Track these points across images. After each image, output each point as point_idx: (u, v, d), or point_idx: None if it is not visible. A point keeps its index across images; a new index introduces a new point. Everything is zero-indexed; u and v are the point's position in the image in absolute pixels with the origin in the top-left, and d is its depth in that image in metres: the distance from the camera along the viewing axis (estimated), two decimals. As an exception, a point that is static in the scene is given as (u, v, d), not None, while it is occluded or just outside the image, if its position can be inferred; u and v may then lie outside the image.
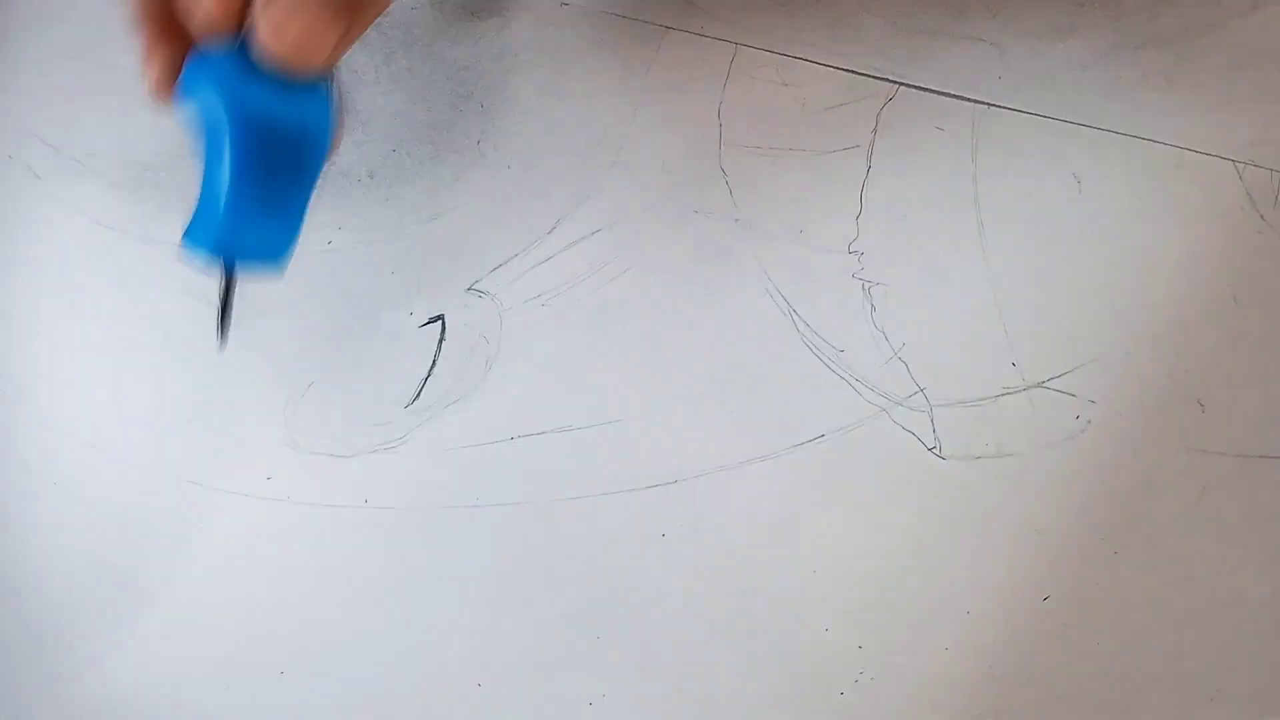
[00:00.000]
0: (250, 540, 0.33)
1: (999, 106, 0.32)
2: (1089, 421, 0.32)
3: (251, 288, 0.33)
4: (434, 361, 0.33)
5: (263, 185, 0.26)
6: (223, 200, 0.26)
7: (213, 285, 0.28)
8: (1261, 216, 0.32)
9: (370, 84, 0.33)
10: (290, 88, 0.26)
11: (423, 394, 0.32)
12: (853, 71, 0.33)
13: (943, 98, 0.32)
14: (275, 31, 0.24)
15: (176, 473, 0.33)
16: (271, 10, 0.24)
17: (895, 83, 0.33)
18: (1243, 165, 0.32)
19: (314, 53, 0.25)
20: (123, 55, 0.33)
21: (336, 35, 0.25)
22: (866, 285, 0.32)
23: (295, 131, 0.26)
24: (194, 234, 0.27)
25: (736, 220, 0.32)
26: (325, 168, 0.28)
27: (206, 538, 0.33)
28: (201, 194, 0.26)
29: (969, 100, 0.32)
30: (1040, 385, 0.32)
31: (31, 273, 0.34)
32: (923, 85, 0.33)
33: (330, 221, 0.33)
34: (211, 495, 0.33)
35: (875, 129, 0.32)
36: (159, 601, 0.33)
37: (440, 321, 0.33)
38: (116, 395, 0.33)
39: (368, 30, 0.33)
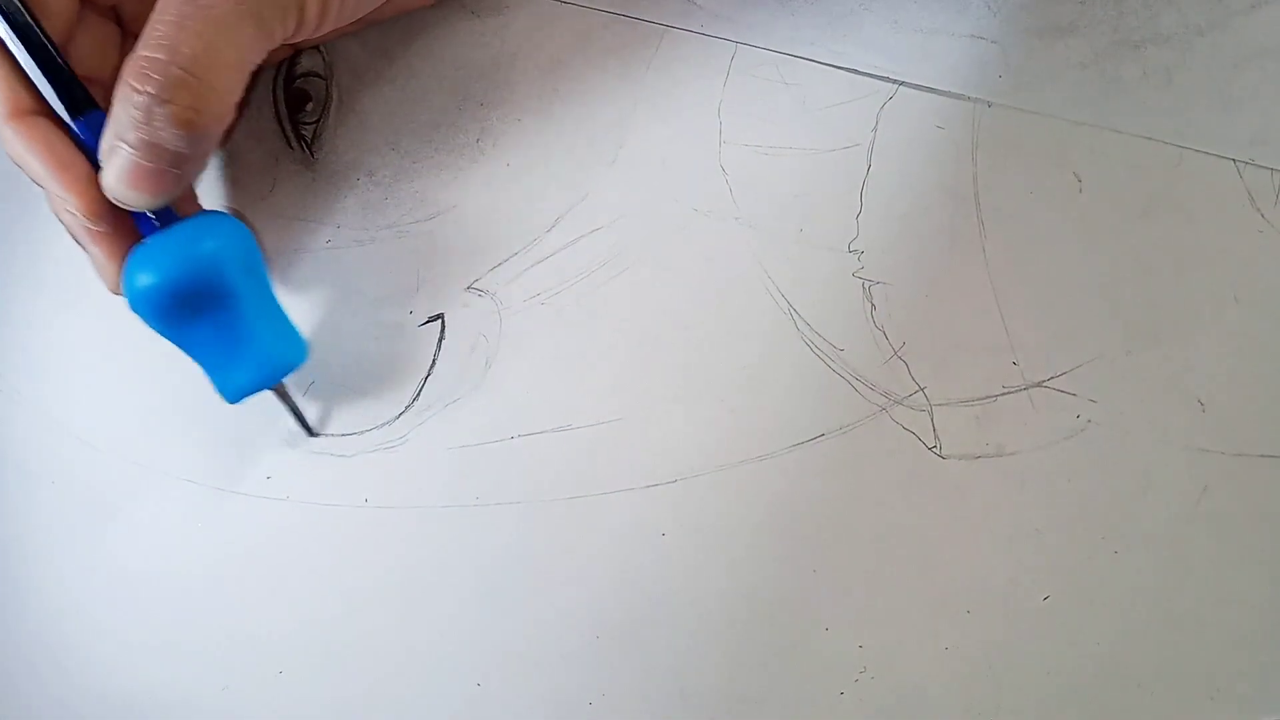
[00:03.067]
0: (249, 539, 0.33)
1: (1000, 105, 0.32)
2: (1089, 420, 0.32)
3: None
4: (434, 361, 0.33)
5: (241, 312, 0.29)
6: (224, 348, 0.29)
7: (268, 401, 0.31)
8: (1262, 215, 0.32)
9: (369, 82, 0.33)
10: (197, 222, 0.28)
11: (422, 393, 0.32)
12: (853, 70, 0.33)
13: (943, 96, 0.32)
14: (109, 186, 0.26)
15: (175, 472, 0.33)
16: (104, 171, 0.26)
17: (895, 81, 0.32)
18: (1243, 164, 0.32)
19: (155, 191, 0.26)
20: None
21: (166, 171, 0.26)
22: (866, 284, 0.32)
23: (234, 254, 0.28)
24: (228, 388, 0.29)
25: (736, 219, 0.32)
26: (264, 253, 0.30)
27: (205, 537, 0.33)
28: (198, 358, 0.29)
29: (969, 99, 0.32)
30: (1040, 384, 0.32)
31: (29, 269, 0.34)
32: (923, 84, 0.32)
33: (328, 220, 0.33)
34: (210, 494, 0.33)
35: (875, 127, 0.32)
36: (156, 600, 0.33)
37: (440, 320, 0.33)
38: (114, 393, 0.33)
39: (366, 28, 0.33)
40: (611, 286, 0.32)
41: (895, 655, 0.31)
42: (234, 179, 0.33)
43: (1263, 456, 0.32)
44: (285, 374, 0.30)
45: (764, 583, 0.32)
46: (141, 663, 0.33)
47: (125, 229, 0.28)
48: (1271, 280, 0.32)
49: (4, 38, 0.26)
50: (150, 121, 0.25)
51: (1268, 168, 0.32)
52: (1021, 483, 0.32)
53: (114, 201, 0.26)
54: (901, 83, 0.33)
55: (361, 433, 0.32)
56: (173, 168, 0.26)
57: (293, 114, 0.33)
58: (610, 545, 0.32)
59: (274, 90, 0.33)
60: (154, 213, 0.27)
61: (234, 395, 0.30)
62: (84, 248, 0.28)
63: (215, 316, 0.28)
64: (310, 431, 0.32)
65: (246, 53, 0.26)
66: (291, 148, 0.33)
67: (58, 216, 0.28)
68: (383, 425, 0.32)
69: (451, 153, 0.33)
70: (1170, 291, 0.32)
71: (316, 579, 0.32)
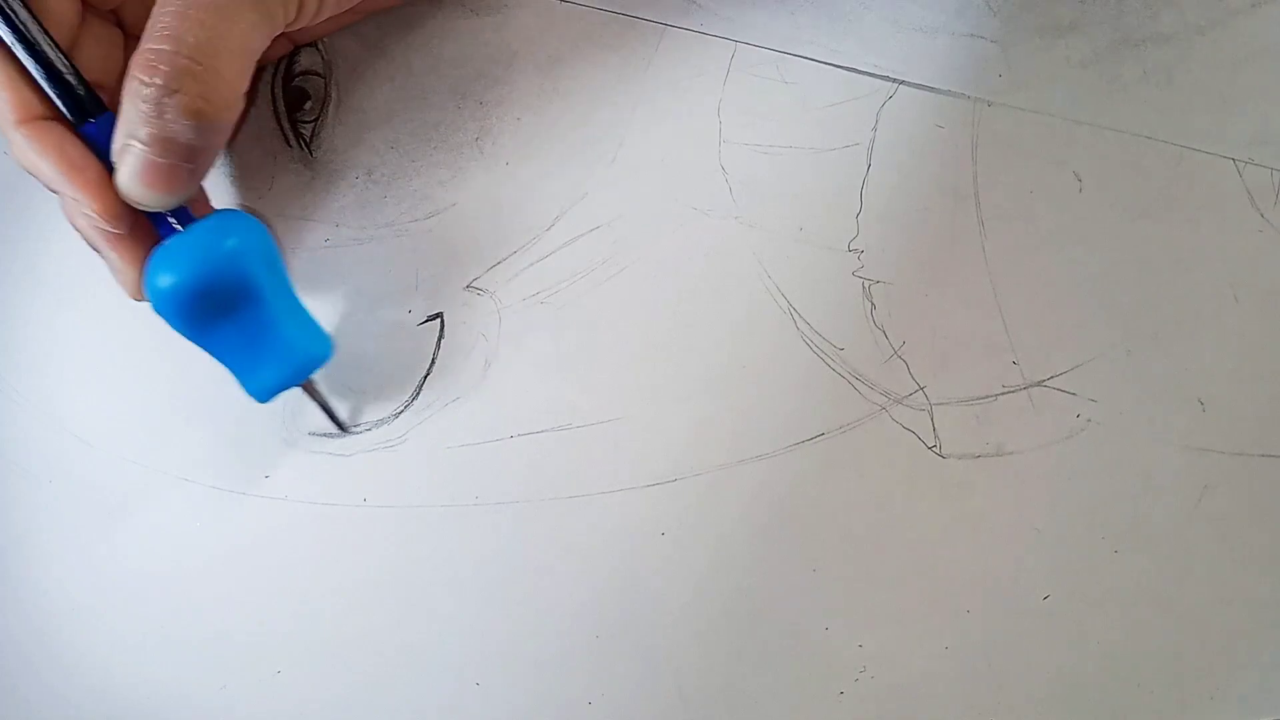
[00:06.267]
0: (248, 539, 0.33)
1: (1000, 104, 0.32)
2: (1089, 420, 0.32)
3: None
4: (433, 360, 0.32)
5: (266, 309, 0.28)
6: (250, 347, 0.29)
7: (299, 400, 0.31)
8: (1262, 215, 0.32)
9: (368, 81, 0.33)
10: (218, 220, 0.28)
11: (421, 392, 0.32)
12: (853, 69, 0.33)
13: (943, 95, 0.32)
14: (127, 186, 0.26)
15: (174, 471, 0.33)
16: (117, 173, 0.26)
17: (895, 80, 0.32)
18: (1243, 163, 0.32)
19: (170, 188, 0.26)
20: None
21: (179, 166, 0.26)
22: (866, 283, 0.32)
23: (255, 251, 0.28)
24: (257, 387, 0.29)
25: (736, 218, 0.32)
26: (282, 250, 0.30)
27: (204, 536, 0.33)
28: (224, 359, 0.29)
29: (970, 98, 0.32)
30: (1040, 384, 0.32)
31: (29, 269, 0.34)
32: (923, 83, 0.32)
33: (327, 219, 0.33)
34: (209, 494, 0.33)
35: (875, 127, 0.32)
36: (155, 599, 0.33)
37: (439, 319, 0.32)
38: (114, 393, 0.33)
39: (365, 24, 0.33)
40: (611, 285, 0.32)
41: (895, 655, 0.31)
42: (233, 177, 0.33)
43: (1263, 456, 0.32)
44: (313, 369, 0.30)
45: (764, 582, 0.32)
46: (140, 661, 0.33)
47: (143, 232, 0.27)
48: (1271, 280, 0.32)
49: (9, 43, 0.25)
50: (161, 115, 0.25)
51: (1268, 167, 0.32)
52: (1021, 482, 0.32)
53: (129, 203, 0.26)
54: (901, 82, 0.32)
55: (361, 432, 0.32)
56: (185, 161, 0.26)
57: (291, 112, 0.33)
58: (610, 545, 0.32)
59: (272, 88, 0.33)
60: (171, 213, 0.27)
61: (264, 394, 0.29)
62: (101, 254, 0.28)
63: (240, 315, 0.28)
64: (342, 427, 0.32)
65: (250, 38, 0.26)
66: (290, 146, 0.33)
67: (72, 223, 0.27)
68: (382, 424, 0.32)
69: (450, 151, 0.33)
70: (1170, 291, 0.32)
71: (315, 578, 0.32)
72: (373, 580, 0.32)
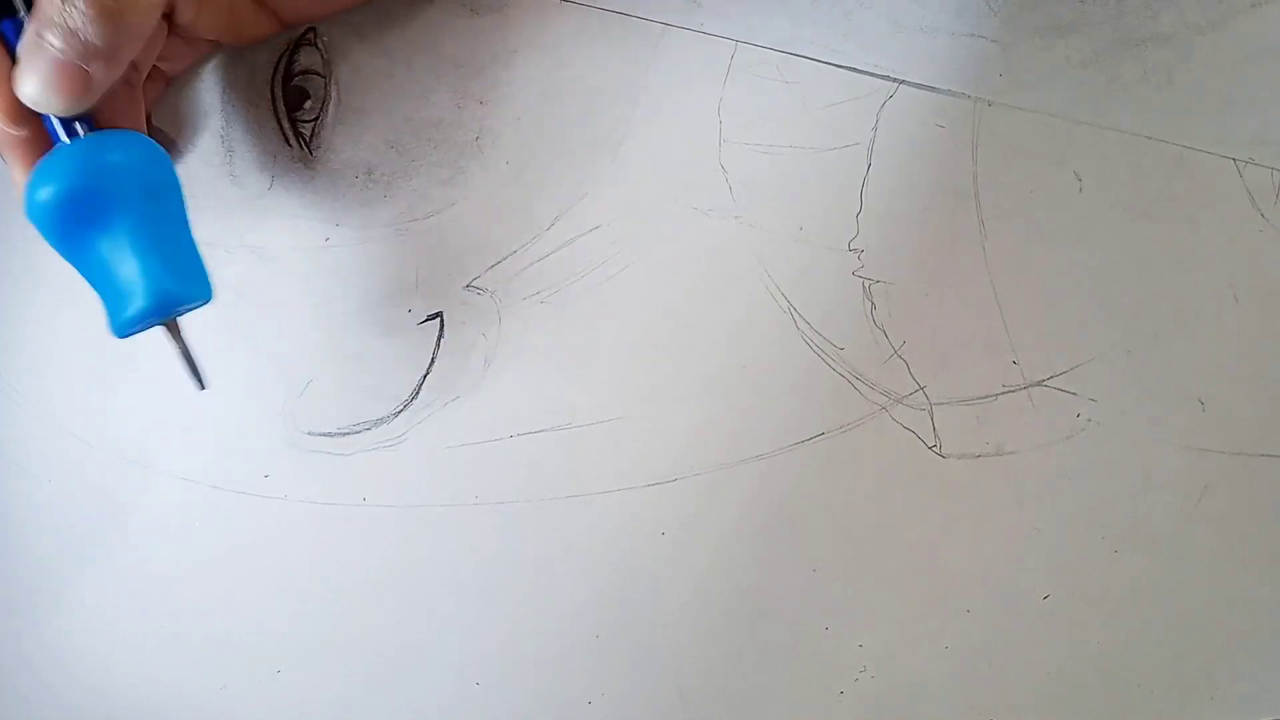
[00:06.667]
0: (247, 538, 0.33)
1: (1000, 104, 0.32)
2: (1089, 420, 0.32)
3: (251, 290, 0.33)
4: (432, 359, 0.32)
5: (140, 234, 0.27)
6: (119, 273, 0.27)
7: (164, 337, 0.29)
8: (1262, 215, 0.32)
9: (368, 80, 0.33)
10: (102, 137, 0.27)
11: (421, 392, 0.32)
12: (853, 69, 0.33)
13: (944, 95, 0.32)
14: (22, 85, 0.26)
15: (173, 470, 0.33)
16: (18, 69, 0.26)
17: (896, 80, 0.32)
18: (1243, 163, 0.32)
19: (71, 90, 0.26)
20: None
21: (80, 69, 0.26)
22: (867, 283, 0.32)
23: (138, 171, 0.27)
24: (118, 318, 0.28)
25: (736, 217, 0.32)
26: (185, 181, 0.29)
27: (203, 535, 0.33)
28: (94, 284, 0.28)
29: (970, 97, 0.32)
30: (1041, 383, 0.32)
31: (26, 266, 0.34)
32: (923, 83, 0.32)
33: (327, 218, 0.33)
34: (208, 493, 0.33)
35: (876, 126, 0.32)
36: (155, 599, 0.33)
37: (439, 319, 0.32)
38: (113, 392, 0.33)
39: (361, 23, 0.33)
40: (611, 285, 0.32)
41: (895, 654, 0.31)
42: (233, 176, 0.33)
43: (1263, 456, 0.32)
44: (177, 308, 0.28)
45: (764, 582, 0.32)
46: (140, 661, 0.33)
47: (45, 141, 0.27)
48: (1271, 280, 0.32)
49: None
50: (70, 7, 0.25)
51: (1268, 167, 0.32)
52: (1021, 482, 0.32)
53: (27, 103, 0.26)
54: (902, 81, 0.32)
55: (360, 431, 0.32)
56: (88, 62, 0.25)
57: (291, 112, 0.33)
58: (610, 544, 0.32)
59: (272, 88, 0.33)
60: (67, 124, 0.27)
61: (121, 328, 0.28)
62: (4, 158, 0.28)
63: (110, 238, 0.27)
64: (200, 383, 0.30)
65: None
66: (290, 145, 0.33)
67: None
68: (381, 424, 0.32)
69: (451, 150, 0.33)
70: (1170, 291, 0.32)
71: (315, 578, 0.32)
72: (372, 580, 0.32)
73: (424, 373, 0.32)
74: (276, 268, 0.33)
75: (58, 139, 0.27)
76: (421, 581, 0.32)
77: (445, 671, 0.32)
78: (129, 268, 0.27)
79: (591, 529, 0.32)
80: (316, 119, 0.33)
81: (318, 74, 0.33)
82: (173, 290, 0.28)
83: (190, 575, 0.33)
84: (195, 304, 0.29)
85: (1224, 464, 0.32)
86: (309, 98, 0.33)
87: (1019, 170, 0.32)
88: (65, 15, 0.25)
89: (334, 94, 0.33)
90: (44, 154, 0.27)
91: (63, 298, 0.33)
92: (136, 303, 0.27)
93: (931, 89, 0.32)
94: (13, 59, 0.26)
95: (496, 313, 0.32)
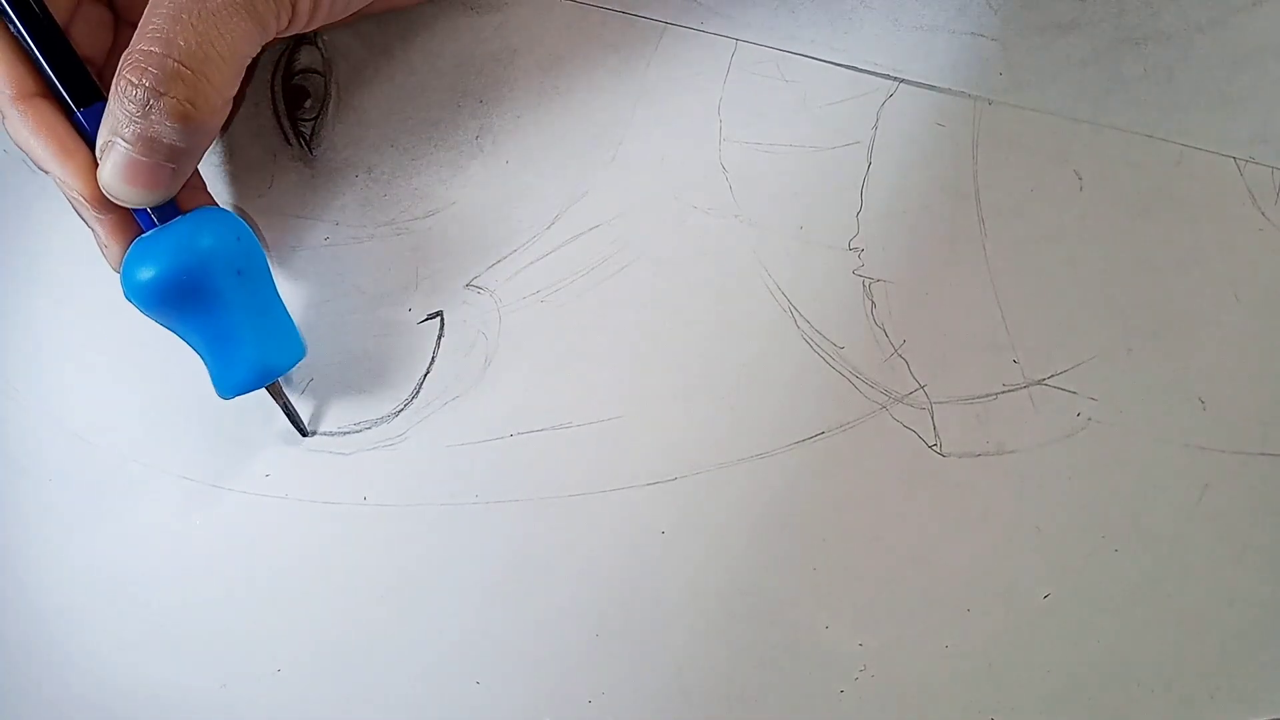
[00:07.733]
0: (248, 537, 0.33)
1: (1000, 102, 0.32)
2: (1089, 419, 0.32)
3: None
4: (433, 358, 0.32)
5: (235, 311, 0.29)
6: (219, 345, 0.29)
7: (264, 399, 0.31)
8: (1262, 213, 0.32)
9: (368, 79, 0.33)
10: (196, 219, 0.28)
11: (422, 391, 0.32)
12: (853, 67, 0.33)
13: (944, 94, 0.32)
14: (109, 183, 0.26)
15: (172, 469, 0.33)
16: (101, 164, 0.26)
17: (896, 79, 0.32)
18: (1244, 162, 0.32)
19: (151, 187, 0.26)
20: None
21: (161, 166, 0.26)
22: (867, 282, 0.32)
23: (231, 252, 0.28)
24: (224, 384, 0.29)
25: (736, 216, 0.32)
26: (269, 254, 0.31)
27: (203, 535, 0.33)
28: (198, 351, 0.29)
29: (970, 96, 0.32)
30: (1041, 382, 0.32)
31: (29, 268, 0.34)
32: (924, 81, 0.32)
33: (327, 217, 0.33)
34: (208, 492, 0.33)
35: (876, 125, 0.32)
36: (154, 598, 0.33)
37: (439, 318, 0.32)
38: (113, 391, 0.33)
39: (363, 23, 0.33)
40: (611, 284, 0.32)
41: (895, 653, 0.31)
42: (232, 175, 0.33)
43: (1263, 455, 0.32)
44: (277, 374, 0.30)
45: (764, 581, 0.32)
46: (140, 660, 0.33)
47: (127, 212, 0.28)
48: (1272, 279, 0.32)
49: (13, 21, 0.26)
50: (146, 115, 0.25)
51: (1268, 166, 0.32)
52: (1021, 481, 0.32)
53: (109, 198, 0.27)
54: (902, 80, 0.32)
55: (360, 430, 0.32)
56: (168, 162, 0.26)
57: (291, 110, 0.33)
58: (610, 543, 0.32)
59: (272, 87, 0.33)
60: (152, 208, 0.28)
61: (227, 392, 0.30)
62: (88, 225, 0.29)
63: (209, 314, 0.28)
64: (303, 431, 0.32)
65: (241, 45, 0.26)
66: (290, 144, 0.33)
67: (63, 192, 0.28)
68: (382, 423, 0.32)
69: (451, 149, 0.33)
70: (1170, 289, 0.32)
71: (315, 577, 0.32)
72: (372, 579, 0.32)
73: (424, 372, 0.32)
74: (276, 267, 0.33)
75: (147, 222, 0.28)
76: (421, 580, 0.32)
77: (445, 670, 0.32)
78: (229, 340, 0.29)
79: (591, 528, 0.32)
80: (316, 118, 0.33)
81: (318, 73, 0.33)
82: (270, 364, 0.30)
83: (190, 574, 0.33)
84: (292, 366, 0.31)
85: (1224, 463, 0.32)
86: (309, 96, 0.33)
87: (1019, 169, 0.32)
88: (141, 124, 0.25)
89: (334, 93, 0.33)
90: (130, 223, 0.28)
91: (63, 298, 0.33)
92: (238, 375, 0.29)
93: (932, 88, 0.32)
94: (92, 146, 0.27)
95: (497, 312, 0.32)
